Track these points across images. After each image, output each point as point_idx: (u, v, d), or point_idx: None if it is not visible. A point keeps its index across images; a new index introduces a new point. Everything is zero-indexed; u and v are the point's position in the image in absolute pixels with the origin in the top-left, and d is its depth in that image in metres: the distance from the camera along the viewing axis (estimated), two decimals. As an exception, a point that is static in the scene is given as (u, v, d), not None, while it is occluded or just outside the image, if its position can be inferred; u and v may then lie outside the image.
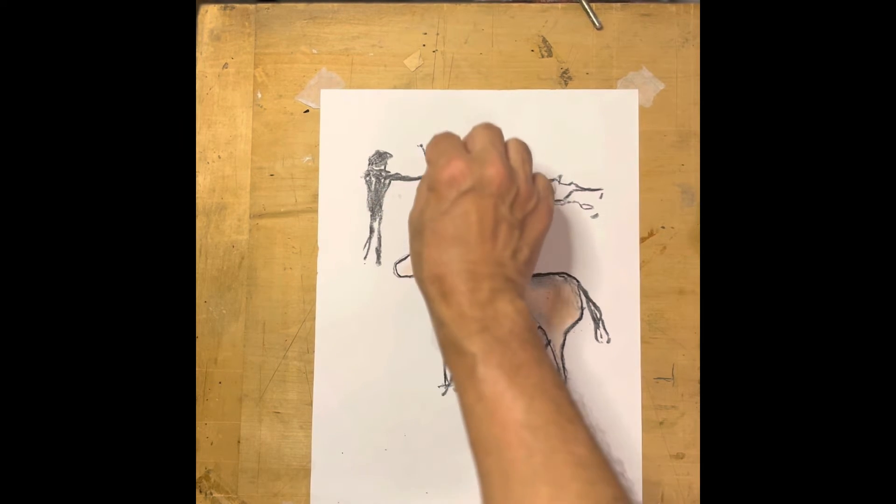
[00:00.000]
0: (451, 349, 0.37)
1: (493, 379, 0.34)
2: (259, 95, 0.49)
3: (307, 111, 0.49)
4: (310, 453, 0.46)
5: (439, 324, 0.38)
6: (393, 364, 0.47)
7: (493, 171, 0.37)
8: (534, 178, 0.40)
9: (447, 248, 0.37)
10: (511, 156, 0.39)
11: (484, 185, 0.37)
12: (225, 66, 0.49)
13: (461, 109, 0.48)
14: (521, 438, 0.33)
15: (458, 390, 0.36)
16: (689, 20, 0.48)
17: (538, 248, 0.40)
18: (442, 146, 0.39)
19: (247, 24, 0.50)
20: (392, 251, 0.47)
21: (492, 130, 0.40)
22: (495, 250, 0.37)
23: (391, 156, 0.48)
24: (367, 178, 0.48)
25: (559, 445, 0.33)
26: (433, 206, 0.38)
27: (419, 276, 0.38)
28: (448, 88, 0.49)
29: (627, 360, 0.46)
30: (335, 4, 0.49)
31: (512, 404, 0.34)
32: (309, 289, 0.48)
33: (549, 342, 0.47)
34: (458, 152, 0.38)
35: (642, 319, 0.47)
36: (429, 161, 0.40)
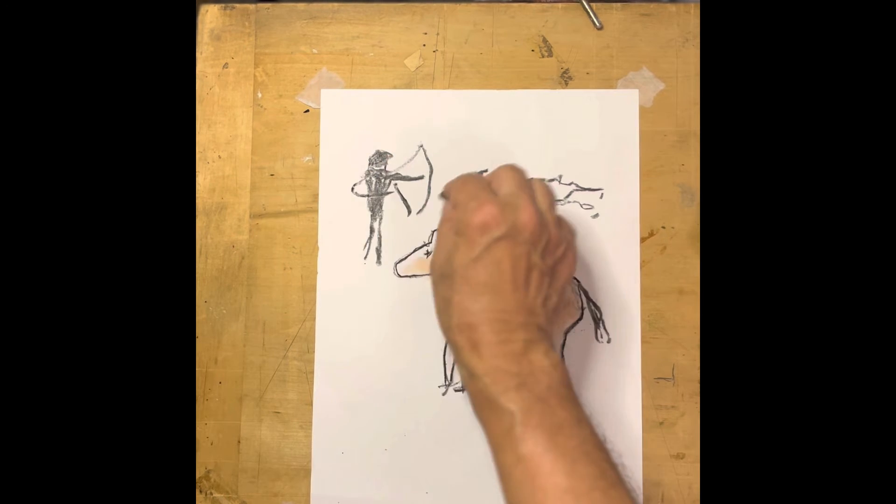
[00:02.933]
0: (484, 405, 0.35)
1: (533, 440, 0.33)
2: (259, 95, 0.49)
3: (307, 111, 0.49)
4: (310, 453, 0.46)
5: (470, 376, 0.36)
6: (393, 364, 0.47)
7: (527, 217, 0.36)
8: (559, 220, 0.39)
9: (479, 296, 0.35)
10: (538, 199, 0.38)
11: (517, 231, 0.36)
12: (225, 66, 0.49)
13: (461, 109, 0.48)
14: None
15: (494, 449, 0.35)
16: (689, 20, 0.48)
17: (564, 296, 0.39)
18: (471, 189, 0.37)
19: (247, 24, 0.50)
20: (392, 251, 0.47)
21: (518, 172, 0.39)
22: (527, 299, 0.36)
23: (391, 156, 0.48)
24: (367, 178, 0.48)
25: None
26: (463, 251, 0.36)
27: (447, 323, 0.37)
28: (448, 88, 0.49)
29: (627, 360, 0.46)
30: (335, 4, 0.49)
31: (553, 468, 0.32)
32: (309, 289, 0.48)
33: (549, 342, 0.47)
34: (489, 196, 0.37)
35: (642, 319, 0.47)
36: (455, 203, 0.38)
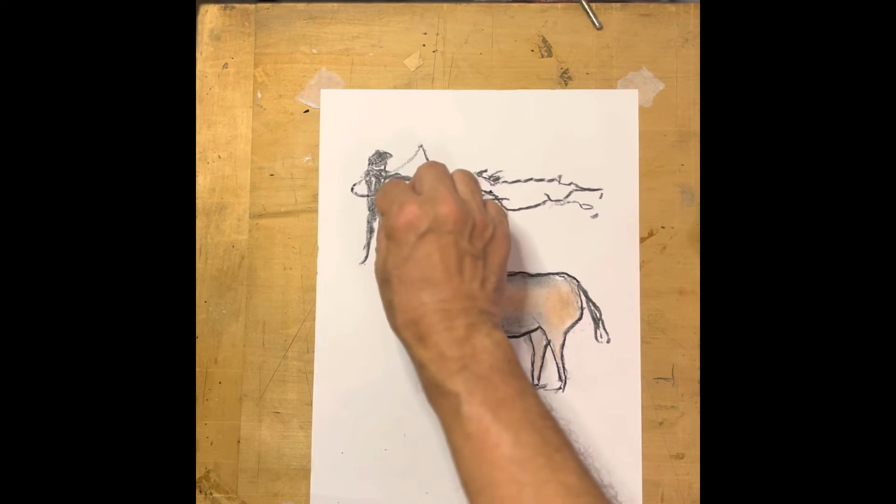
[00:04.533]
0: (433, 391, 0.37)
1: (477, 417, 0.35)
2: (259, 95, 0.49)
3: (307, 111, 0.49)
4: (310, 453, 0.46)
5: (419, 367, 0.38)
6: (393, 364, 0.47)
7: (447, 208, 0.38)
8: (485, 204, 0.41)
9: (416, 291, 0.37)
10: (460, 188, 0.40)
11: (440, 223, 0.37)
12: (225, 66, 0.49)
13: (461, 109, 0.48)
14: (510, 474, 0.33)
15: (445, 431, 0.37)
16: (689, 20, 0.48)
17: (503, 275, 0.40)
18: (392, 194, 0.40)
19: (247, 24, 0.50)
20: (392, 251, 0.47)
21: (436, 168, 0.41)
22: (463, 284, 0.37)
23: (391, 156, 0.48)
24: (367, 178, 0.48)
25: (548, 476, 0.33)
26: (394, 253, 0.38)
27: (394, 324, 0.39)
28: (448, 88, 0.49)
29: (627, 360, 0.46)
30: (335, 4, 0.49)
31: (498, 440, 0.34)
32: (309, 289, 0.48)
33: (549, 342, 0.47)
34: (409, 197, 0.39)
35: (642, 319, 0.47)
36: (381, 211, 0.40)
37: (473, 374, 0.36)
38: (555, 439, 0.35)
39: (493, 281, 0.39)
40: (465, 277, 0.38)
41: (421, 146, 0.48)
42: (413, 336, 0.37)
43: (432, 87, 0.49)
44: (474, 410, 0.35)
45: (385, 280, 0.39)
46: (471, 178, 0.41)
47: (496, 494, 0.33)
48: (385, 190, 0.41)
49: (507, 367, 0.36)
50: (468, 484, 0.35)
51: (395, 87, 0.49)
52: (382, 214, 0.40)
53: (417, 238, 0.37)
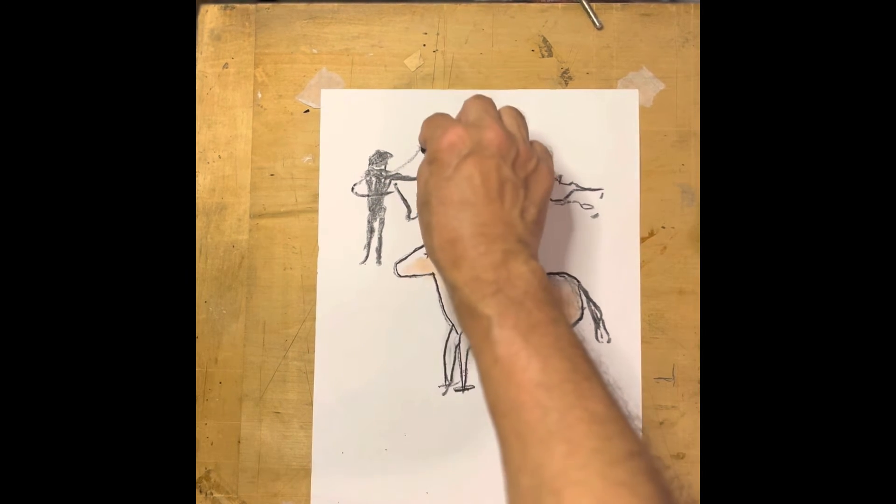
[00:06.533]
0: (465, 313, 0.37)
1: (508, 340, 0.34)
2: (259, 95, 0.49)
3: (307, 111, 0.49)
4: (310, 453, 0.46)
5: (452, 289, 0.37)
6: (393, 364, 0.47)
7: (492, 133, 0.38)
8: (531, 143, 0.41)
9: (455, 213, 0.37)
10: (506, 121, 0.40)
11: (484, 147, 0.37)
12: (225, 66, 0.49)
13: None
14: (536, 399, 0.33)
15: (475, 354, 0.36)
16: (689, 20, 0.48)
17: (544, 209, 0.40)
18: (436, 121, 0.40)
19: (247, 24, 0.50)
20: (392, 251, 0.47)
21: (483, 100, 0.41)
22: (503, 210, 0.37)
23: (391, 156, 0.48)
24: (368, 178, 0.48)
25: (575, 402, 0.32)
26: (436, 174, 0.38)
27: (430, 245, 0.38)
28: (448, 88, 0.49)
29: (627, 360, 0.46)
30: (335, 4, 0.49)
31: (527, 364, 0.33)
32: (309, 289, 0.48)
33: (549, 342, 0.47)
34: (454, 122, 0.39)
35: (642, 319, 0.47)
36: (425, 138, 0.40)
37: (507, 298, 0.35)
38: (584, 367, 0.34)
39: (534, 212, 0.39)
40: (505, 204, 0.37)
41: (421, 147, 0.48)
42: (448, 258, 0.37)
43: (432, 87, 0.49)
44: (505, 334, 0.34)
45: (425, 202, 0.39)
46: (518, 114, 0.41)
47: (521, 418, 0.33)
48: (429, 119, 0.41)
49: (541, 295, 0.36)
50: (494, 407, 0.35)
51: (395, 87, 0.49)
52: (426, 141, 0.40)
53: (460, 160, 0.37)
